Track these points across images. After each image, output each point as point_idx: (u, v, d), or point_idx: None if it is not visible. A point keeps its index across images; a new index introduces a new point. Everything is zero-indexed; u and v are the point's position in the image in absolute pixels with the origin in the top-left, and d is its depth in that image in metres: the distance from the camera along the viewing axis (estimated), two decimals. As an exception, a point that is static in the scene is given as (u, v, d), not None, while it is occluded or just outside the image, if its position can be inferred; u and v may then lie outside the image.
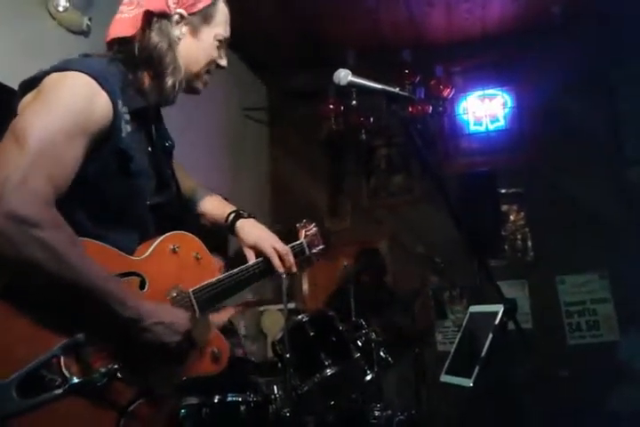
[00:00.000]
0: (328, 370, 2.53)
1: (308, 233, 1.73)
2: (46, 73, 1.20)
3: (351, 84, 1.58)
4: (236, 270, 1.48)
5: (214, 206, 1.65)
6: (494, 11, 4.79)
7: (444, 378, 1.84)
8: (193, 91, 1.44)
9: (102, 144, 1.20)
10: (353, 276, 3.74)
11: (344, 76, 1.57)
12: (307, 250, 1.69)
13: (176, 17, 1.34)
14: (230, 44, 4.58)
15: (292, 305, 4.82)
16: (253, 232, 1.57)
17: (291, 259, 1.56)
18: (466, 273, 4.77)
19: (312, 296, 5.53)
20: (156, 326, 1.17)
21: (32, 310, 1.07)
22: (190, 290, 1.36)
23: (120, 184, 1.25)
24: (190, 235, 1.42)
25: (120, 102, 1.24)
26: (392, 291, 4.40)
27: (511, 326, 1.68)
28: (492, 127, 5.34)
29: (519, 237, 5.06)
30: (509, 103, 5.36)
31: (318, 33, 4.94)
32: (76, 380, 1.07)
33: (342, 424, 2.69)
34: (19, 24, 2.80)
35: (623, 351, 4.29)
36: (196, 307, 1.35)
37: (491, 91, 5.40)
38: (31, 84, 1.21)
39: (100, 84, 1.19)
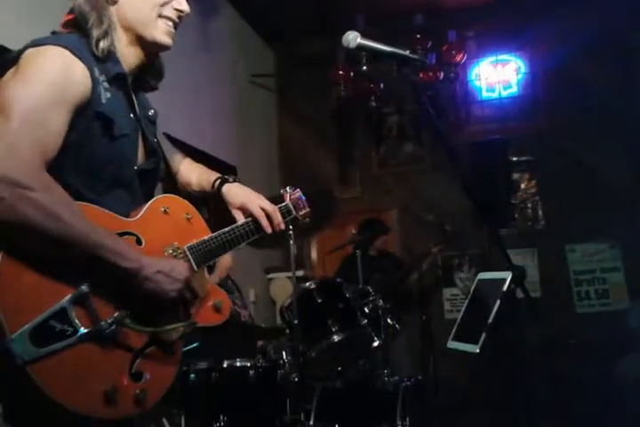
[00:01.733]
0: (335, 336, 2.56)
1: (292, 197, 1.77)
2: (21, 51, 1.24)
3: (360, 47, 1.54)
4: (226, 229, 1.54)
5: (199, 174, 1.68)
6: (510, -27, 4.64)
7: (451, 344, 1.84)
8: (156, 44, 1.38)
9: (84, 110, 1.24)
10: (358, 244, 3.75)
11: (353, 38, 1.53)
12: (293, 211, 1.73)
13: None
14: (238, 8, 4.48)
15: (300, 273, 4.85)
16: (240, 194, 1.62)
17: (278, 217, 1.61)
18: (475, 241, 4.77)
19: (320, 264, 5.56)
20: (157, 275, 1.22)
21: (38, 267, 1.11)
22: (185, 246, 1.41)
23: (105, 148, 1.28)
24: (179, 197, 1.48)
25: (96, 70, 1.27)
26: (397, 259, 4.40)
27: (520, 293, 1.67)
28: (504, 94, 5.25)
29: (530, 205, 5.02)
30: (522, 69, 5.24)
31: (329, -3, 4.82)
32: (83, 330, 1.13)
33: (349, 390, 2.73)
34: (41, 6, 2.75)
35: (632, 320, 4.30)
36: (192, 262, 1.41)
37: (504, 56, 5.28)
38: (10, 61, 1.24)
39: (74, 53, 1.23)
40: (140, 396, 1.20)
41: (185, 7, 1.40)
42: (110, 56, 1.32)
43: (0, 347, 1.04)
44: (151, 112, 1.49)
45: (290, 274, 4.69)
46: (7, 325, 1.05)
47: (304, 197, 1.79)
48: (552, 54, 4.91)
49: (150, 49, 1.39)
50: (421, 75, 4.49)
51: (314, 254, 5.61)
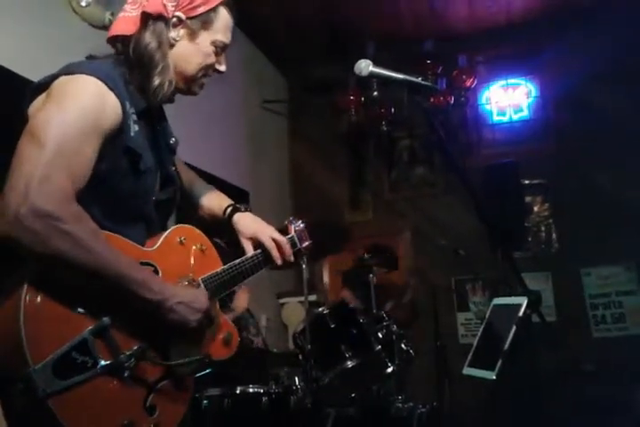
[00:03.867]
0: (349, 362, 2.54)
1: (297, 229, 1.79)
2: (54, 77, 1.24)
3: (372, 75, 1.57)
4: (237, 261, 1.55)
5: (212, 199, 1.70)
6: (518, -2, 4.70)
7: (467, 371, 1.83)
8: (189, 92, 1.46)
9: (113, 143, 1.25)
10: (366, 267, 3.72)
11: (365, 66, 1.56)
12: (297, 243, 1.74)
13: (174, 20, 1.37)
14: (251, 36, 4.57)
15: (312, 297, 4.83)
16: (251, 224, 1.63)
17: (289, 249, 1.63)
18: (489, 265, 4.73)
19: (333, 288, 5.53)
20: (179, 306, 1.24)
21: (61, 297, 1.12)
22: (200, 278, 1.43)
23: (130, 182, 1.30)
24: (194, 228, 1.50)
25: (127, 103, 1.28)
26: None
27: (535, 318, 1.66)
28: (515, 117, 5.26)
29: (543, 228, 4.99)
30: (533, 93, 5.27)
31: (339, 24, 4.90)
32: (104, 362, 1.13)
33: (363, 416, 2.69)
34: (41, 19, 2.83)
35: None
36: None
37: (514, 80, 5.31)
38: (39, 87, 1.26)
39: (108, 85, 1.24)
40: None
41: (224, 69, 1.48)
42: (147, 91, 1.35)
43: (22, 378, 1.04)
44: (172, 140, 1.51)
45: (301, 298, 4.70)
46: (30, 356, 1.04)
47: (305, 229, 1.81)
48: (563, 78, 4.94)
49: (181, 93, 1.46)
50: (432, 99, 4.53)
51: (326, 278, 5.59)
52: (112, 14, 3.22)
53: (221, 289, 1.47)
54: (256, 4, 4.57)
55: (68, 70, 1.24)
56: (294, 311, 4.94)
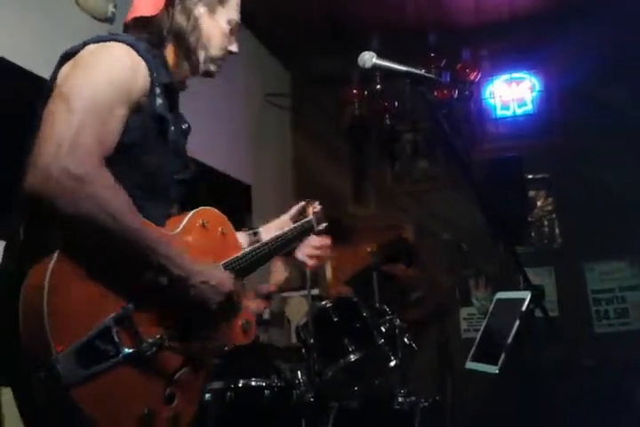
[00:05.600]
0: (352, 356, 2.54)
1: (314, 210, 1.86)
2: (84, 44, 1.25)
3: (376, 67, 1.56)
4: (257, 245, 1.57)
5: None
6: (523, -9, 4.67)
7: (470, 365, 1.83)
8: (208, 74, 1.46)
9: (142, 109, 1.25)
10: (377, 263, 3.72)
11: (369, 58, 1.55)
12: (315, 226, 1.82)
13: None
14: (253, 29, 4.55)
15: (315, 291, 4.83)
16: (273, 224, 1.75)
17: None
18: (491, 260, 4.73)
19: (335, 283, 5.53)
20: (203, 285, 1.23)
21: (85, 282, 1.10)
22: (221, 263, 1.41)
23: (160, 151, 1.30)
24: (216, 211, 1.49)
25: (155, 73, 1.29)
26: (413, 284, 4.35)
27: (538, 313, 1.65)
28: (519, 111, 5.24)
29: (546, 223, 4.97)
30: (537, 87, 5.25)
31: (342, 17, 4.87)
32: (127, 350, 1.11)
33: (366, 410, 2.70)
34: (44, 11, 2.81)
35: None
36: None
37: (518, 74, 5.29)
38: (67, 56, 1.26)
39: (138, 52, 1.25)
40: (173, 419, 1.19)
41: (237, 50, 1.49)
42: (165, 66, 1.36)
43: (45, 366, 1.02)
44: (185, 126, 1.51)
45: (304, 292, 4.70)
46: (53, 343, 1.02)
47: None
48: (567, 72, 4.91)
49: (193, 74, 1.46)
50: (435, 93, 4.51)
51: (328, 273, 5.58)
52: (115, 6, 3.20)
53: (241, 274, 1.47)
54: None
55: (98, 39, 1.25)
56: (297, 305, 4.94)
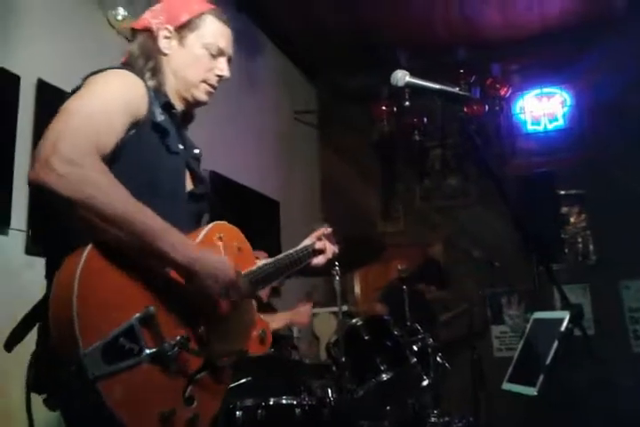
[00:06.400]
0: (384, 375, 2.50)
1: (325, 233, 1.85)
2: (86, 77, 1.33)
3: (409, 85, 1.55)
4: (270, 260, 1.60)
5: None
6: (553, 6, 4.64)
7: (507, 386, 1.78)
8: (194, 100, 1.49)
9: (142, 124, 1.30)
10: (405, 281, 3.69)
11: (401, 76, 1.55)
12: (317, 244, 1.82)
13: (164, 32, 1.45)
14: (281, 47, 4.61)
15: (344, 308, 4.80)
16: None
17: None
18: (524, 277, 4.65)
19: (364, 299, 5.50)
20: (205, 271, 1.22)
21: (112, 281, 1.14)
22: None
23: (162, 158, 1.34)
24: (232, 226, 1.52)
25: (152, 93, 1.36)
26: (443, 306, 4.29)
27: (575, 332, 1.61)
28: (550, 127, 5.19)
29: (580, 240, 4.88)
30: (568, 102, 5.19)
31: (370, 34, 4.91)
32: (148, 350, 1.14)
33: (398, 430, 2.65)
34: (79, 34, 2.89)
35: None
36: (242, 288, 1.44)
37: (549, 89, 5.24)
38: (74, 91, 1.32)
39: (135, 74, 1.34)
40: (192, 420, 1.21)
41: (226, 73, 1.51)
42: (161, 91, 1.42)
43: (73, 360, 1.05)
44: (196, 151, 1.54)
45: (332, 309, 4.68)
46: (81, 339, 1.05)
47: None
48: (598, 86, 4.85)
49: (189, 103, 1.50)
50: (465, 109, 4.49)
51: (357, 289, 5.56)
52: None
53: (255, 287, 1.50)
54: (286, 15, 4.60)
55: (100, 69, 1.33)
56: (326, 322, 4.92)
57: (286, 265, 1.64)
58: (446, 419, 2.64)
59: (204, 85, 1.48)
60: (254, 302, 1.53)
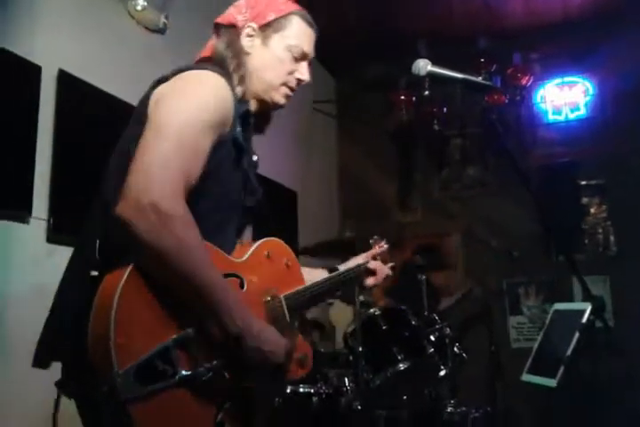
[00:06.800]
0: (401, 364, 2.51)
1: (379, 246, 1.89)
2: (177, 71, 1.28)
3: (430, 74, 1.54)
4: (320, 280, 1.58)
5: (314, 272, 1.75)
6: (576, -7, 4.56)
7: (526, 377, 1.78)
8: (273, 103, 1.45)
9: (223, 139, 1.26)
10: (415, 271, 3.67)
11: (423, 66, 1.54)
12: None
13: (247, 29, 1.40)
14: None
15: (360, 298, 4.80)
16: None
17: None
18: (542, 268, 4.61)
19: (379, 291, 5.49)
20: (254, 350, 1.19)
21: (151, 303, 1.12)
22: (282, 296, 1.42)
23: (232, 176, 1.31)
24: (282, 242, 1.50)
25: (236, 105, 1.31)
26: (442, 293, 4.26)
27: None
28: (572, 116, 5.10)
29: (600, 230, 4.82)
30: (591, 91, 5.10)
31: (389, 23, 4.86)
32: (184, 372, 1.12)
33: (415, 420, 2.66)
34: (99, 24, 2.90)
35: None
36: (286, 312, 1.41)
37: (570, 78, 5.16)
38: (160, 81, 1.29)
39: (227, 81, 1.28)
40: None
41: (306, 77, 1.48)
42: (244, 97, 1.37)
43: (107, 381, 1.04)
44: (255, 157, 1.51)
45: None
46: (116, 360, 1.04)
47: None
48: (622, 75, 4.76)
49: (267, 106, 1.46)
50: (486, 98, 4.44)
51: (374, 279, 5.55)
52: (166, 17, 3.28)
53: (302, 307, 1.49)
54: (304, 4, 4.57)
55: (193, 66, 1.29)
56: (342, 312, 4.92)
57: (335, 284, 1.62)
58: (463, 409, 2.64)
59: (284, 88, 1.45)
60: (296, 324, 1.49)
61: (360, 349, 2.45)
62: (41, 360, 1.19)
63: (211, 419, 1.18)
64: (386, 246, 1.87)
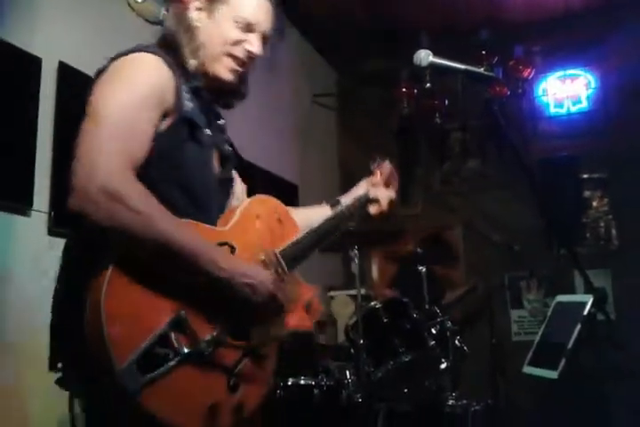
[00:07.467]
0: (402, 357, 2.51)
1: (382, 171, 1.87)
2: (115, 57, 1.29)
3: (432, 65, 1.53)
4: (314, 226, 1.56)
5: (314, 209, 1.77)
6: (578, -15, 4.53)
7: (527, 369, 1.78)
8: (216, 78, 1.41)
9: (170, 116, 1.27)
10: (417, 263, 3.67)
11: (424, 56, 1.53)
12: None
13: (196, 3, 1.39)
14: (301, 30, 4.56)
15: (362, 291, 4.80)
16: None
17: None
18: (543, 262, 4.60)
19: (381, 283, 5.50)
20: (245, 287, 1.23)
21: (137, 291, 1.13)
22: (277, 251, 1.42)
23: (193, 152, 1.31)
24: (269, 197, 1.51)
25: (181, 79, 1.31)
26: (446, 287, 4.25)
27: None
28: (573, 109, 5.08)
29: (602, 224, 4.81)
30: (593, 84, 5.08)
31: (390, 15, 4.83)
32: (185, 350, 1.14)
33: (416, 412, 2.66)
34: (99, 15, 2.89)
35: None
36: (283, 264, 1.41)
37: (572, 71, 5.14)
38: (98, 73, 1.30)
39: (162, 59, 1.28)
40: (238, 407, 1.23)
41: (255, 49, 1.42)
42: (197, 71, 1.37)
43: (111, 380, 1.06)
44: (222, 121, 1.51)
45: (350, 292, 4.68)
46: (115, 357, 1.06)
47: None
48: (624, 68, 4.74)
49: (210, 80, 1.41)
50: (489, 90, 4.42)
51: (374, 272, 5.55)
52: (167, 9, 3.26)
53: (300, 258, 1.48)
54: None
55: (125, 51, 1.29)
56: (344, 304, 4.93)
57: (336, 225, 1.61)
58: (464, 402, 2.65)
59: (228, 60, 1.39)
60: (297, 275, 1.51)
61: (361, 341, 2.45)
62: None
63: (222, 384, 1.21)
64: (389, 167, 1.85)
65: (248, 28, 1.40)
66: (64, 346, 1.21)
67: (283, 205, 1.53)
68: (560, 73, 5.15)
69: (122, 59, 1.27)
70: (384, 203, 1.82)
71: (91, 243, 1.17)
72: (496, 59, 4.50)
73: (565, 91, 5.12)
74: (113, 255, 1.12)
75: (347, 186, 6.18)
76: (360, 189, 1.84)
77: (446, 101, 4.76)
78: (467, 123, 5.18)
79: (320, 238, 1.55)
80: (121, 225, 1.10)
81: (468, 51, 4.43)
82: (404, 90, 4.77)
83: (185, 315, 1.16)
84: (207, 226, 1.29)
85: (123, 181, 1.11)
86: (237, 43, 1.40)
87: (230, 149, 1.51)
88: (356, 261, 2.82)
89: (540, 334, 1.83)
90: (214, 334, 1.19)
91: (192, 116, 1.31)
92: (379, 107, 5.37)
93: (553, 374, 1.60)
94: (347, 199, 1.78)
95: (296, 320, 1.43)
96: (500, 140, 4.76)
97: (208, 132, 1.38)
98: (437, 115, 4.78)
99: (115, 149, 1.12)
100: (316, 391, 2.50)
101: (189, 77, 1.35)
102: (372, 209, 1.81)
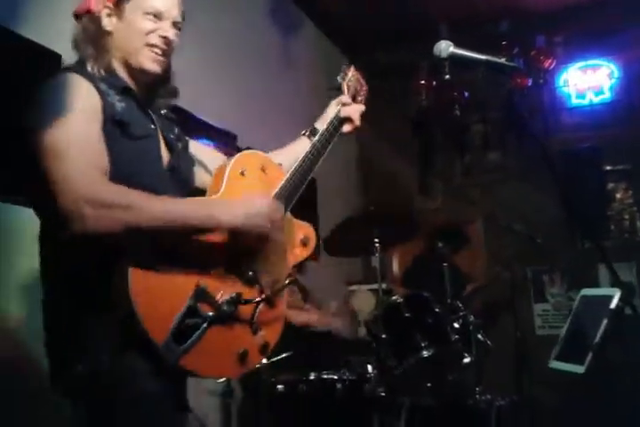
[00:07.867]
0: (425, 352, 2.50)
1: (349, 83, 1.94)
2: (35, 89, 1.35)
3: (453, 56, 1.52)
4: (297, 164, 1.65)
5: (295, 145, 1.87)
6: (599, -26, 4.44)
7: (554, 364, 1.75)
8: (141, 69, 1.45)
9: (104, 121, 1.33)
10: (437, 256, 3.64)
11: (445, 47, 1.51)
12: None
13: (105, 10, 1.44)
14: (317, 22, 4.53)
15: (383, 285, 4.79)
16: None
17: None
18: (567, 255, 4.54)
19: (400, 280, 5.47)
20: (251, 224, 1.35)
21: (157, 273, 1.25)
22: (273, 194, 1.53)
23: (127, 147, 1.36)
24: (248, 151, 1.58)
25: (102, 84, 1.36)
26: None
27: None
28: (596, 100, 5.00)
29: (627, 216, 4.74)
30: (616, 74, 4.99)
31: (409, 7, 4.78)
32: (211, 315, 1.29)
33: (439, 407, 2.65)
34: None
35: None
36: (281, 206, 1.50)
37: (594, 61, 5.05)
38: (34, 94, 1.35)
39: (78, 73, 1.35)
40: (263, 346, 1.40)
41: (169, 34, 1.46)
42: (112, 74, 1.42)
43: (157, 355, 1.20)
44: (163, 111, 1.56)
45: (371, 286, 4.67)
46: (154, 337, 1.20)
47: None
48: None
49: (139, 76, 1.47)
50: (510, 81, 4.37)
51: (395, 267, 5.53)
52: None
53: (294, 195, 1.58)
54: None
55: (42, 84, 1.34)
56: (364, 299, 4.93)
57: (317, 153, 1.73)
58: (488, 397, 2.63)
59: (148, 50, 1.44)
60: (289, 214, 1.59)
61: (383, 336, 2.45)
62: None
63: (247, 334, 1.38)
64: (354, 75, 1.92)
65: (158, 17, 1.45)
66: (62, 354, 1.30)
67: (262, 154, 1.60)
68: (581, 63, 5.06)
69: (45, 84, 1.33)
70: (356, 118, 1.90)
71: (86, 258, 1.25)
72: (516, 49, 4.44)
73: (587, 81, 5.03)
74: (126, 261, 1.21)
75: (365, 178, 6.19)
76: (331, 111, 1.90)
77: (466, 94, 4.71)
78: (487, 115, 5.12)
79: (306, 171, 1.66)
80: (126, 224, 1.20)
81: (488, 42, 4.37)
82: (422, 82, 4.73)
83: (204, 286, 1.29)
84: (202, 198, 1.44)
85: (103, 189, 1.21)
86: (151, 32, 1.44)
87: (176, 133, 1.55)
88: (377, 255, 2.81)
89: (565, 328, 1.80)
90: (233, 295, 1.33)
91: (124, 116, 1.36)
92: (398, 99, 5.32)
93: (580, 369, 1.58)
94: (321, 124, 1.87)
95: (295, 254, 1.57)
96: (520, 132, 4.68)
97: (149, 126, 1.44)
98: (457, 107, 4.74)
99: (85, 171, 1.21)
100: (338, 386, 2.50)
101: (116, 80, 1.42)
102: (346, 128, 1.91)
